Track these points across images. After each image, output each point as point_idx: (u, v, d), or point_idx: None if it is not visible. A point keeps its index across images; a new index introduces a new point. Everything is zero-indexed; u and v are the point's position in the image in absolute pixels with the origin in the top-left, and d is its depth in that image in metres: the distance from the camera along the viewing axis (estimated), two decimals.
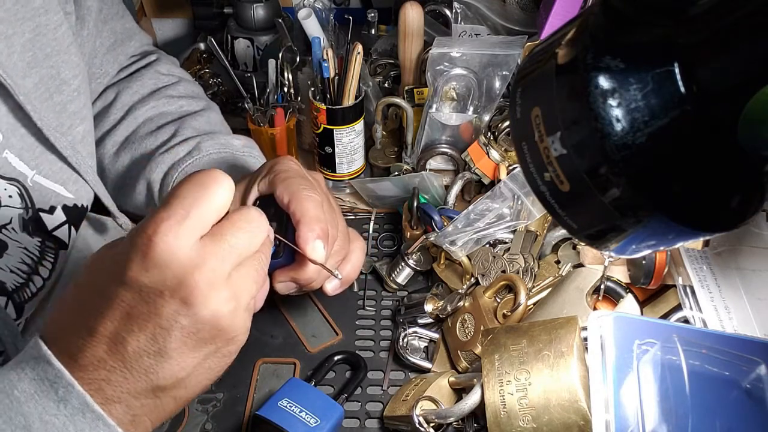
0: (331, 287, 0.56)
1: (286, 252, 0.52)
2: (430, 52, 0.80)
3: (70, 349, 0.38)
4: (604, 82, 0.29)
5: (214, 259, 0.39)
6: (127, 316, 0.38)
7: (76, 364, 0.38)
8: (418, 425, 0.58)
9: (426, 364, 0.68)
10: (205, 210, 0.39)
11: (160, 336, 0.38)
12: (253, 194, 0.54)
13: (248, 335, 0.43)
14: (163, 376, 0.38)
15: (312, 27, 0.90)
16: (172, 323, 0.38)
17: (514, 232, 0.72)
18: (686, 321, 0.63)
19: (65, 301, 0.41)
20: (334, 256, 0.54)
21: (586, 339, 0.54)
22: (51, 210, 0.60)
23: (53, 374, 0.37)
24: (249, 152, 0.71)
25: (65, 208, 0.62)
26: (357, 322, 0.74)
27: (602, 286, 0.64)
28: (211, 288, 0.38)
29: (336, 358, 0.69)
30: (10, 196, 0.56)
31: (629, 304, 0.64)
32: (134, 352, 0.38)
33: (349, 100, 0.83)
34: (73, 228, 0.63)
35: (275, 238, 0.48)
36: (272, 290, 0.53)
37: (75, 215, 0.63)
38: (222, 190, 0.40)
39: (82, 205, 0.64)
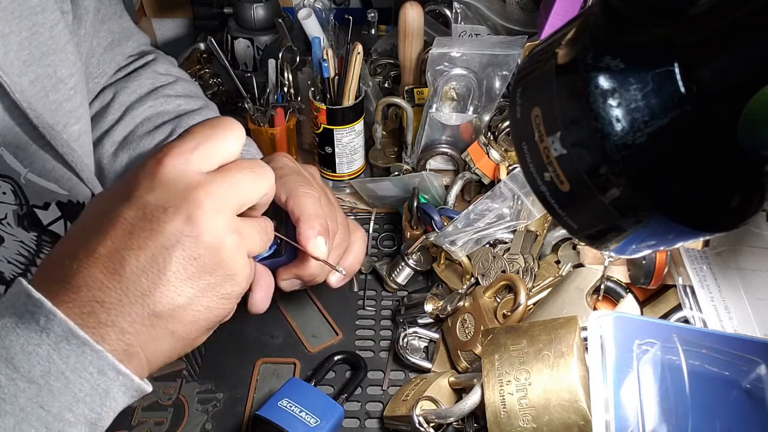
0: (335, 280, 0.56)
1: (288, 250, 0.52)
2: (430, 52, 0.80)
3: (63, 273, 0.37)
4: (604, 82, 0.29)
5: (220, 186, 0.39)
6: (129, 234, 0.37)
7: (69, 285, 0.36)
8: (418, 425, 0.58)
9: (426, 364, 0.68)
10: (215, 146, 0.39)
11: (160, 255, 0.37)
12: None
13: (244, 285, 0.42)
14: (159, 300, 0.37)
15: (312, 27, 0.90)
16: (174, 243, 0.37)
17: (514, 232, 0.72)
18: (686, 321, 0.63)
19: (67, 233, 0.40)
20: (335, 249, 0.54)
21: (586, 339, 0.54)
22: (45, 206, 0.60)
23: (33, 304, 0.36)
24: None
25: (60, 204, 0.62)
26: (357, 322, 0.74)
27: (602, 286, 0.64)
28: (215, 212, 0.38)
29: (336, 358, 0.69)
30: (4, 193, 0.56)
31: (629, 304, 0.64)
32: (132, 271, 0.37)
33: (349, 100, 0.83)
34: (69, 223, 0.63)
35: (276, 236, 0.48)
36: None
37: (70, 211, 0.63)
38: (233, 133, 0.40)
39: (78, 201, 0.64)
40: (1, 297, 0.52)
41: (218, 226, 0.38)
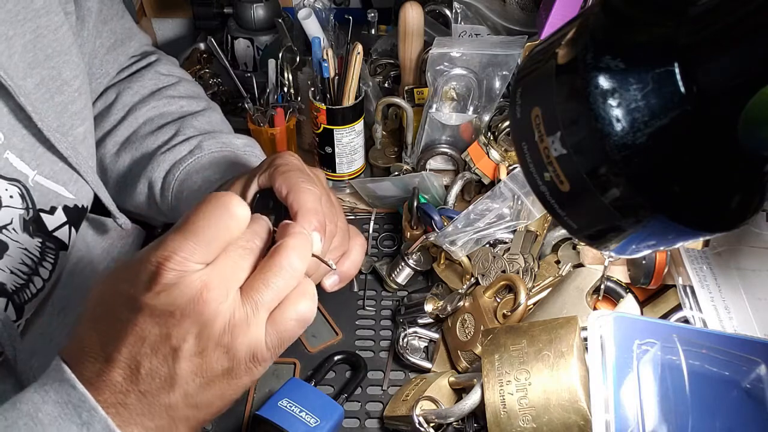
0: (330, 283, 0.55)
1: None
2: (430, 52, 0.80)
3: (87, 374, 0.39)
4: (604, 82, 0.29)
5: (221, 278, 0.39)
6: (141, 340, 0.39)
7: (94, 387, 0.39)
8: (418, 425, 0.58)
9: (426, 364, 0.68)
10: (213, 239, 0.40)
11: (170, 356, 0.39)
12: (253, 188, 0.54)
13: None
14: (173, 394, 0.39)
15: (312, 27, 0.90)
16: (182, 342, 0.39)
17: (514, 232, 0.72)
18: (686, 321, 0.63)
19: (82, 325, 0.41)
20: (333, 252, 0.54)
21: (586, 339, 0.54)
22: (51, 210, 0.60)
23: (77, 398, 0.38)
24: (251, 151, 0.71)
25: (66, 208, 0.62)
26: (357, 322, 0.74)
27: (602, 286, 0.64)
28: (219, 304, 0.39)
29: (336, 358, 0.69)
30: (11, 197, 0.56)
31: (629, 304, 0.64)
32: (147, 374, 0.39)
33: (349, 100, 0.83)
34: (73, 228, 0.63)
35: (272, 230, 0.48)
36: None
37: (75, 216, 0.63)
38: (229, 216, 0.40)
39: (83, 205, 0.64)
40: (1, 313, 0.52)
41: (222, 318, 0.39)
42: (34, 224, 0.58)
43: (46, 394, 0.39)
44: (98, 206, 0.68)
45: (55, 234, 0.61)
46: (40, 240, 0.59)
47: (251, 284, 0.41)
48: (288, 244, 0.42)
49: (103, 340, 0.40)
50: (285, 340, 0.42)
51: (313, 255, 0.49)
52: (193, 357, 0.39)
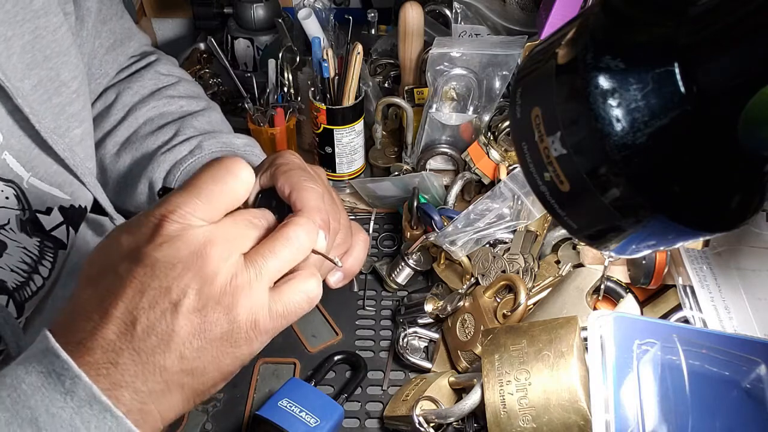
0: (334, 280, 0.55)
1: None
2: (430, 52, 0.80)
3: (79, 335, 0.38)
4: (604, 82, 0.29)
5: (225, 237, 0.39)
6: (140, 293, 0.37)
7: (84, 348, 0.37)
8: (418, 425, 0.58)
9: (426, 364, 0.68)
10: (219, 196, 0.39)
11: (168, 311, 0.37)
12: (255, 188, 0.54)
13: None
14: (168, 355, 0.38)
15: (312, 27, 0.90)
16: (182, 297, 0.37)
17: (514, 232, 0.72)
18: (686, 321, 0.63)
19: (77, 289, 0.40)
20: (336, 249, 0.54)
21: (586, 339, 0.54)
22: (48, 211, 0.60)
23: (60, 366, 0.37)
24: (251, 151, 0.71)
25: (62, 209, 0.62)
26: (357, 322, 0.74)
27: (602, 286, 0.64)
28: (222, 261, 0.38)
29: (336, 358, 0.69)
30: (7, 198, 0.56)
31: (629, 304, 0.64)
32: (143, 330, 0.37)
33: (349, 100, 0.83)
34: (71, 228, 0.63)
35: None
36: None
37: (73, 216, 0.63)
38: (236, 179, 0.40)
39: (80, 205, 0.64)
40: (3, 310, 0.52)
41: (224, 276, 0.38)
42: (31, 224, 0.58)
43: (29, 365, 0.37)
44: (97, 207, 0.68)
45: (53, 234, 0.61)
46: (39, 239, 0.59)
47: (257, 250, 0.40)
48: (296, 221, 0.42)
49: (99, 294, 0.38)
50: (289, 312, 0.42)
51: (318, 252, 0.50)
52: (192, 314, 0.38)
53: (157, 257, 0.37)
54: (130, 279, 0.38)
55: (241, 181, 0.40)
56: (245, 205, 0.55)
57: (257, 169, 0.55)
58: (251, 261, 0.40)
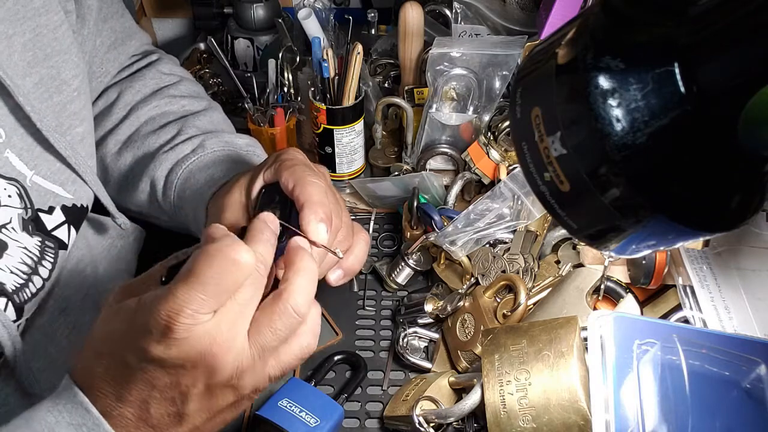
0: (335, 278, 0.55)
1: (288, 237, 0.52)
2: (430, 52, 0.80)
3: (99, 406, 0.41)
4: (604, 82, 0.29)
5: (229, 327, 0.41)
6: (151, 386, 0.41)
7: (105, 417, 0.41)
8: (418, 425, 0.58)
9: (426, 364, 0.68)
10: (222, 290, 0.41)
11: (179, 400, 0.41)
12: (259, 183, 0.54)
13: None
14: (182, 428, 0.42)
15: (312, 27, 0.90)
16: (191, 387, 0.41)
17: (514, 232, 0.72)
18: (686, 321, 0.63)
19: (88, 354, 0.43)
20: (338, 246, 0.54)
21: (586, 339, 0.54)
22: (50, 210, 0.60)
23: (92, 422, 0.40)
24: (252, 151, 0.71)
25: (64, 208, 0.61)
26: (357, 322, 0.74)
27: (602, 286, 0.64)
28: (226, 354, 0.40)
29: (336, 358, 0.69)
30: (10, 196, 0.56)
31: (629, 304, 0.64)
32: (158, 413, 0.41)
33: (349, 100, 0.83)
34: (72, 228, 0.63)
35: (279, 224, 0.48)
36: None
37: (74, 215, 0.63)
38: (241, 268, 0.41)
39: (82, 205, 0.64)
40: (1, 314, 0.52)
41: (230, 366, 0.41)
42: (32, 223, 0.58)
43: (60, 415, 0.40)
44: (98, 206, 0.68)
45: (54, 233, 0.60)
46: (39, 239, 0.59)
47: (258, 328, 0.42)
48: (293, 287, 0.43)
49: (111, 378, 0.41)
50: (286, 370, 0.45)
51: (320, 246, 0.50)
52: (201, 398, 0.41)
53: (165, 358, 0.40)
54: (141, 374, 0.41)
55: (242, 268, 0.41)
56: (248, 200, 0.55)
57: (261, 165, 0.55)
58: (254, 341, 0.42)
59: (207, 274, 0.40)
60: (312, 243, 0.49)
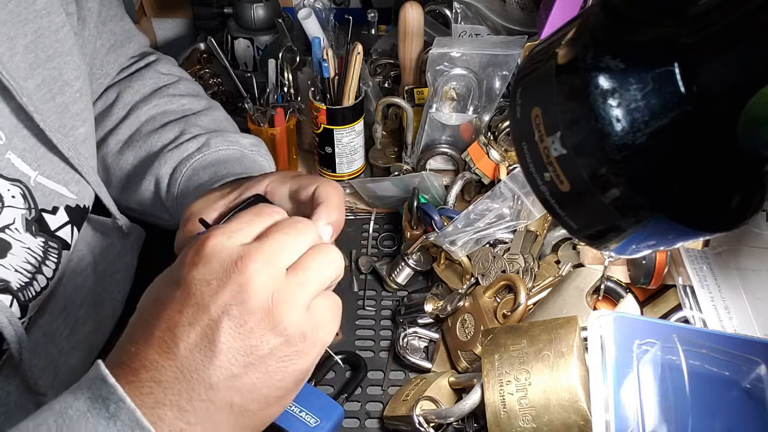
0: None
1: None
2: (430, 52, 0.80)
3: (123, 357, 0.38)
4: (604, 82, 0.29)
5: (262, 251, 0.39)
6: (179, 313, 0.38)
7: (129, 368, 0.37)
8: (418, 425, 0.58)
9: (426, 364, 0.68)
10: (259, 226, 0.41)
11: (209, 329, 0.37)
12: (256, 190, 0.54)
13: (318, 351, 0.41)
14: (214, 372, 0.37)
15: (312, 27, 0.90)
16: (221, 313, 0.37)
17: (514, 232, 0.72)
18: (686, 321, 0.63)
19: (130, 322, 0.41)
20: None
21: (586, 339, 0.54)
22: (54, 210, 0.60)
23: (107, 390, 0.37)
24: (257, 151, 0.71)
25: (68, 208, 0.62)
26: (357, 322, 0.74)
27: (602, 286, 0.64)
28: (258, 276, 0.38)
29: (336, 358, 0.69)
30: (13, 197, 0.56)
31: (629, 304, 0.64)
32: (186, 348, 0.37)
33: (349, 100, 0.83)
34: (75, 228, 0.63)
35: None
36: None
37: (77, 215, 0.63)
38: (278, 214, 0.42)
39: (84, 205, 0.64)
40: (7, 310, 0.52)
41: (263, 289, 0.38)
42: (36, 224, 0.58)
43: (79, 391, 0.38)
44: (99, 206, 0.68)
45: (58, 234, 0.61)
46: (43, 239, 0.59)
47: (299, 263, 0.40)
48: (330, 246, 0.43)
49: (144, 320, 0.39)
50: (334, 316, 0.42)
51: None
52: (235, 330, 0.37)
53: (192, 276, 0.38)
54: (169, 301, 0.38)
55: (278, 212, 0.42)
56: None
57: (254, 180, 0.56)
58: (294, 273, 0.40)
59: (245, 215, 0.41)
60: None
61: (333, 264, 0.42)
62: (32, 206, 0.57)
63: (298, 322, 0.39)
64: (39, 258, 0.58)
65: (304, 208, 0.52)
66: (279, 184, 0.54)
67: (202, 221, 0.51)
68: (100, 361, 0.38)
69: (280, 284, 0.39)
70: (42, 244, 0.59)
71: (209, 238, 0.39)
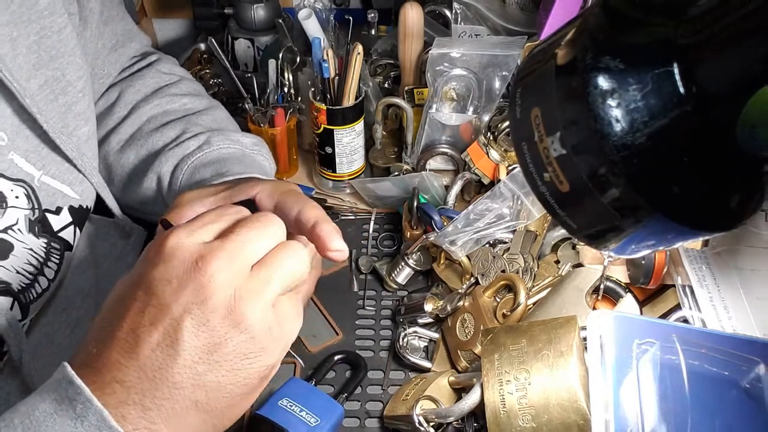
0: (338, 252, 0.54)
1: None
2: (430, 52, 0.80)
3: (87, 358, 0.38)
4: (603, 82, 0.29)
5: (223, 249, 0.39)
6: (140, 313, 0.38)
7: (91, 369, 0.38)
8: (418, 425, 0.58)
9: (426, 364, 0.68)
10: (221, 224, 0.40)
11: (171, 328, 0.37)
12: (242, 196, 0.54)
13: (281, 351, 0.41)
14: (177, 371, 0.37)
15: (312, 27, 0.90)
16: (182, 312, 0.37)
17: (513, 232, 0.72)
18: (685, 321, 0.63)
19: (94, 321, 0.41)
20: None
21: (585, 339, 0.54)
22: (57, 211, 0.60)
23: (73, 391, 0.37)
24: (258, 150, 0.71)
25: (71, 209, 0.62)
26: (357, 322, 0.74)
27: (602, 286, 0.64)
28: (219, 274, 0.38)
29: (336, 357, 0.69)
30: (17, 197, 0.56)
31: (629, 303, 0.64)
32: (148, 348, 0.37)
33: (349, 101, 0.83)
34: (77, 229, 0.63)
35: None
36: None
37: (80, 216, 0.63)
38: (241, 213, 0.41)
39: (87, 206, 0.64)
40: (7, 313, 0.52)
41: (224, 287, 0.38)
42: (39, 225, 0.58)
43: (45, 393, 0.38)
44: (100, 207, 0.68)
45: (60, 234, 0.61)
46: (45, 240, 0.59)
47: (265, 259, 0.40)
48: (301, 240, 0.43)
49: (107, 320, 0.39)
50: (299, 312, 0.42)
51: (340, 259, 0.49)
52: (197, 329, 0.37)
53: (152, 276, 0.38)
54: (131, 301, 0.38)
55: (242, 210, 0.42)
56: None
57: (252, 182, 0.55)
58: (257, 270, 0.39)
59: (208, 214, 0.41)
60: (331, 253, 0.47)
61: (299, 261, 0.41)
62: (36, 206, 0.57)
63: (262, 318, 0.39)
64: (41, 259, 0.58)
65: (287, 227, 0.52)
66: (266, 197, 0.53)
67: (164, 222, 0.49)
68: (65, 363, 0.38)
69: (242, 281, 0.38)
70: (44, 245, 0.59)
71: (169, 236, 0.39)
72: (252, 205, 0.52)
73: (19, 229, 0.56)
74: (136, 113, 0.73)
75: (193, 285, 0.37)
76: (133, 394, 0.37)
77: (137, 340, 0.37)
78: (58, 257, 0.60)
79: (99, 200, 0.66)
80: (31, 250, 0.57)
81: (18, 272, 0.56)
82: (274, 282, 0.40)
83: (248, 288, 0.39)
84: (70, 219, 0.61)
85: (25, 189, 0.56)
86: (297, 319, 0.42)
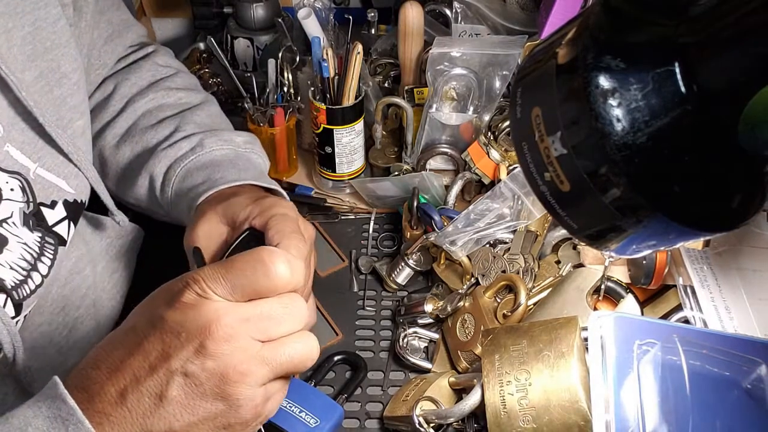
0: None
1: None
2: (430, 51, 0.80)
3: (83, 381, 0.39)
4: (604, 81, 0.29)
5: (237, 319, 0.39)
6: (145, 354, 0.39)
7: (86, 394, 0.39)
8: (418, 425, 0.58)
9: (426, 364, 0.67)
10: (246, 280, 0.40)
11: (165, 378, 0.39)
12: (246, 225, 0.55)
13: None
14: (156, 422, 0.39)
15: (312, 27, 0.90)
16: (179, 367, 0.39)
17: (514, 232, 0.72)
18: (687, 321, 0.63)
19: (102, 342, 0.42)
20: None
21: (586, 339, 0.54)
22: (52, 205, 0.60)
23: (66, 411, 0.38)
24: (251, 148, 0.71)
25: (66, 203, 0.61)
26: (357, 322, 0.74)
27: (602, 286, 0.64)
28: (225, 343, 0.39)
29: (336, 358, 0.69)
30: (12, 190, 0.55)
31: (629, 304, 0.64)
32: (139, 391, 0.39)
33: (349, 100, 0.83)
34: (72, 224, 0.63)
35: None
36: None
37: (74, 211, 0.63)
38: (271, 277, 0.41)
39: (81, 200, 0.64)
40: (0, 310, 0.52)
41: (227, 356, 0.39)
42: (34, 218, 0.58)
43: (39, 409, 0.39)
44: (96, 204, 0.68)
45: (55, 229, 0.60)
46: (40, 234, 0.58)
47: (276, 342, 0.41)
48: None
49: (112, 348, 0.40)
50: (283, 393, 0.43)
51: None
52: (187, 388, 0.39)
53: (167, 320, 0.39)
54: (140, 338, 0.39)
55: (272, 276, 0.41)
56: (232, 232, 0.56)
57: (252, 208, 0.56)
58: (267, 349, 0.40)
59: (238, 263, 0.40)
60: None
61: (308, 356, 0.42)
62: (31, 200, 0.57)
63: (252, 396, 0.40)
64: (35, 254, 0.58)
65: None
66: (258, 225, 0.54)
67: (197, 251, 0.50)
68: (58, 380, 0.40)
69: (246, 356, 0.39)
70: (38, 240, 0.58)
71: (192, 287, 0.39)
72: (256, 234, 0.54)
73: (13, 223, 0.56)
74: (131, 107, 0.73)
75: (198, 344, 0.38)
76: (116, 431, 0.39)
77: (133, 380, 0.39)
78: (52, 252, 0.60)
79: (95, 197, 0.66)
80: (25, 244, 0.57)
81: (11, 268, 0.55)
82: (276, 367, 0.41)
83: (249, 364, 0.40)
84: (64, 213, 0.61)
85: (20, 181, 0.56)
86: (281, 397, 0.44)
